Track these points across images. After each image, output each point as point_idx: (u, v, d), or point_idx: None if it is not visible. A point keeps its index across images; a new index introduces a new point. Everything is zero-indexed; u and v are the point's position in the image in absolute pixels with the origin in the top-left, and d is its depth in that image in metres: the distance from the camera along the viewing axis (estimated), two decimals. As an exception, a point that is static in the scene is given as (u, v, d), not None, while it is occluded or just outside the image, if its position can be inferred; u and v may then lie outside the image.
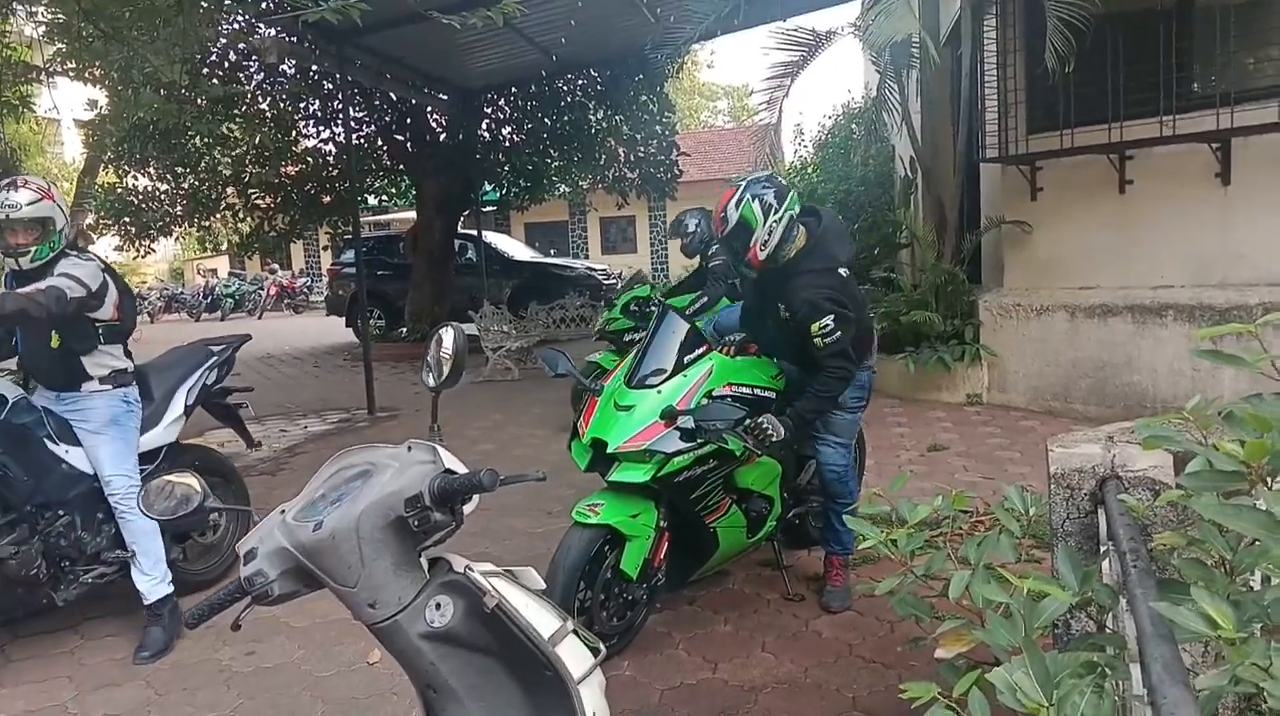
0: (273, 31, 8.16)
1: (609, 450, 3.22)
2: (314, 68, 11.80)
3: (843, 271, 3.57)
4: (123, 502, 3.72)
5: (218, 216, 14.59)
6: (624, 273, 19.41)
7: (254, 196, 13.96)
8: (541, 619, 1.67)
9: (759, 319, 3.81)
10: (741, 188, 3.54)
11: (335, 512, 1.60)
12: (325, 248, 20.58)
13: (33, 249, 3.52)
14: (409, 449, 1.67)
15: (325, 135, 13.60)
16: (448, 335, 1.82)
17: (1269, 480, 1.53)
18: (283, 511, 1.69)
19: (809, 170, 14.61)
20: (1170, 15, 5.90)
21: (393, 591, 1.60)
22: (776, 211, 3.47)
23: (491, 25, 5.88)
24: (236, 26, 9.81)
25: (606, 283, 15.86)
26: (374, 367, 9.37)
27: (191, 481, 1.80)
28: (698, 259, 7.04)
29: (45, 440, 3.72)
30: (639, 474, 3.19)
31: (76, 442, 3.76)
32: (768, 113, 7.62)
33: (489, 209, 15.68)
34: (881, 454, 6.02)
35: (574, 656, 1.68)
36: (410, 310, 14.19)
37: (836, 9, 12.83)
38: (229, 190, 13.89)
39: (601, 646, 1.77)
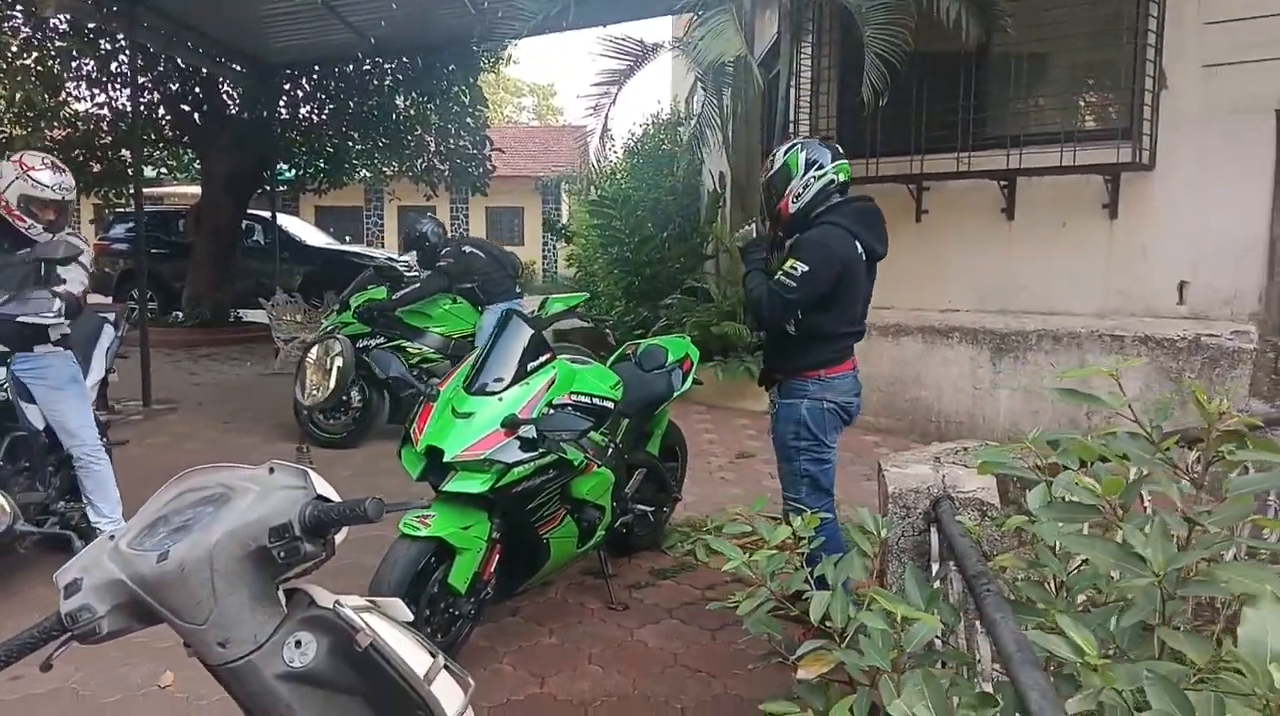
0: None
1: (446, 458, 3.08)
2: (90, 25, 10.72)
3: (858, 245, 3.38)
4: (90, 454, 4.07)
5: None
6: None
7: (12, 160, 12.47)
8: (415, 656, 1.55)
9: None
10: (799, 141, 3.59)
11: (185, 541, 1.41)
12: (91, 220, 18.72)
13: (57, 221, 3.92)
14: (270, 471, 1.51)
15: (100, 99, 12.36)
16: (334, 348, 1.65)
17: (1120, 513, 1.65)
18: (112, 537, 1.49)
19: (618, 176, 14.77)
20: (971, 59, 6.37)
21: (248, 628, 1.44)
22: (819, 169, 3.40)
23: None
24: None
25: (408, 274, 15.36)
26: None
27: (1, 503, 1.56)
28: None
29: (15, 398, 4.02)
30: (477, 484, 3.07)
31: (31, 400, 4.03)
32: (594, 118, 7.62)
33: (282, 189, 14.82)
34: (693, 459, 6.10)
35: (447, 694, 1.58)
36: (189, 294, 13.19)
37: (660, 20, 13.04)
38: (-19, 149, 12.34)
39: (470, 680, 1.67)
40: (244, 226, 13.90)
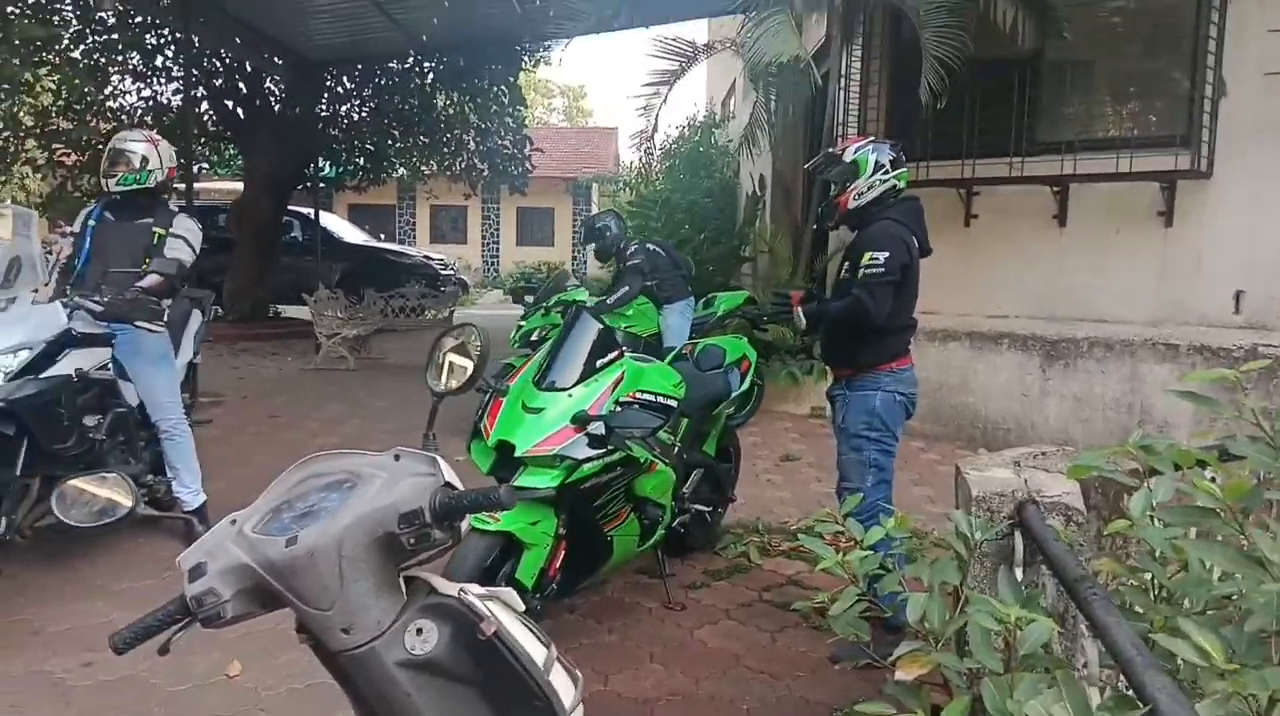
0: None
1: (516, 453, 3.08)
2: (137, 17, 10.87)
3: (914, 240, 3.48)
4: (177, 427, 4.36)
5: (15, 170, 13.11)
6: (455, 263, 18.98)
7: (58, 152, 12.64)
8: (533, 646, 1.55)
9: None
10: (869, 140, 3.63)
11: (314, 527, 1.42)
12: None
13: (120, 173, 4.25)
14: (397, 458, 1.51)
15: (146, 93, 12.51)
16: (471, 335, 1.65)
17: (1241, 518, 1.62)
18: (234, 521, 1.50)
19: (655, 179, 14.75)
20: (1025, 65, 6.32)
21: (371, 615, 1.45)
22: (886, 173, 3.49)
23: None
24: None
25: (444, 272, 15.44)
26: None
27: (118, 492, 1.57)
28: (614, 262, 7.09)
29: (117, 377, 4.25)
30: (547, 479, 3.08)
31: (128, 379, 4.29)
32: (645, 117, 7.64)
33: (324, 186, 14.95)
34: (740, 463, 6.13)
35: (563, 685, 1.57)
36: (230, 289, 13.31)
37: (694, 23, 13.04)
38: (29, 143, 12.49)
39: (579, 673, 1.67)
40: (283, 222, 14.03)
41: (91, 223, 4.34)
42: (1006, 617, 1.67)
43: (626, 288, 6.56)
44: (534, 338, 6.46)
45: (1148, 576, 1.90)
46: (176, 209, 4.54)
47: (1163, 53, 6.31)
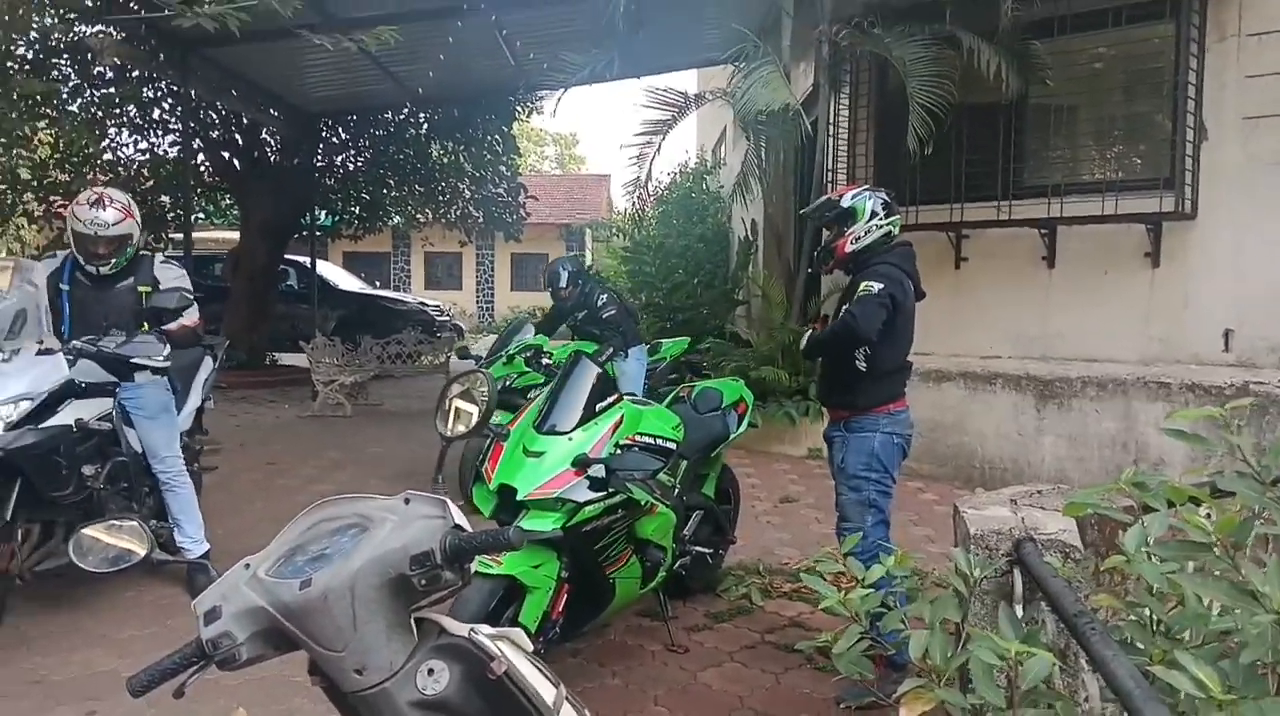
0: (113, 31, 7.55)
1: (518, 497, 3.11)
2: (134, 71, 11.01)
3: (909, 283, 3.57)
4: (176, 479, 4.37)
5: (12, 223, 13.20)
6: (450, 308, 19.06)
7: (55, 204, 12.74)
8: (543, 685, 1.58)
9: None
10: (865, 187, 3.78)
11: (327, 570, 1.45)
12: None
13: (113, 260, 4.09)
14: (407, 502, 1.55)
15: (143, 145, 12.64)
16: (477, 382, 1.69)
17: (1233, 552, 1.66)
18: (248, 565, 1.53)
19: (648, 223, 14.91)
20: (1010, 110, 6.45)
21: (384, 656, 1.47)
22: (881, 219, 3.59)
23: (347, 51, 5.71)
24: (50, 20, 8.99)
25: (439, 318, 15.50)
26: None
27: (133, 539, 1.61)
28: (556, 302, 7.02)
29: (119, 424, 4.26)
30: (549, 522, 3.10)
31: (131, 426, 4.29)
32: (638, 167, 7.75)
33: (320, 234, 15.09)
34: (738, 505, 6.13)
35: (573, 724, 1.60)
36: (226, 337, 13.34)
37: (683, 73, 13.26)
38: (26, 196, 12.59)
39: (588, 713, 1.69)
40: (279, 270, 14.13)
41: (65, 287, 4.13)
42: (1008, 653, 1.70)
43: (612, 348, 6.58)
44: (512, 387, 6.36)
45: (1145, 611, 1.92)
46: (148, 254, 4.36)
47: (1144, 97, 6.46)
